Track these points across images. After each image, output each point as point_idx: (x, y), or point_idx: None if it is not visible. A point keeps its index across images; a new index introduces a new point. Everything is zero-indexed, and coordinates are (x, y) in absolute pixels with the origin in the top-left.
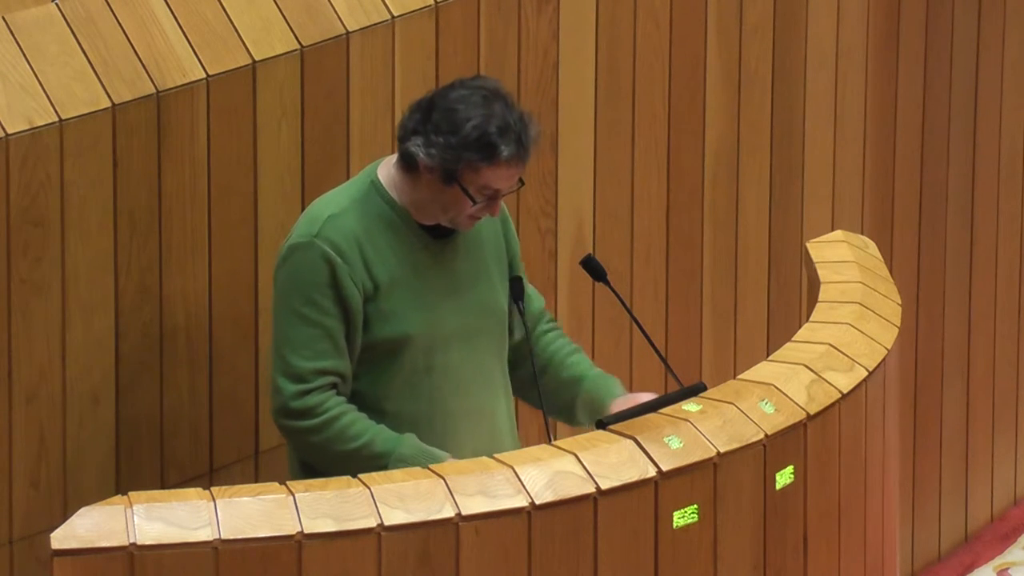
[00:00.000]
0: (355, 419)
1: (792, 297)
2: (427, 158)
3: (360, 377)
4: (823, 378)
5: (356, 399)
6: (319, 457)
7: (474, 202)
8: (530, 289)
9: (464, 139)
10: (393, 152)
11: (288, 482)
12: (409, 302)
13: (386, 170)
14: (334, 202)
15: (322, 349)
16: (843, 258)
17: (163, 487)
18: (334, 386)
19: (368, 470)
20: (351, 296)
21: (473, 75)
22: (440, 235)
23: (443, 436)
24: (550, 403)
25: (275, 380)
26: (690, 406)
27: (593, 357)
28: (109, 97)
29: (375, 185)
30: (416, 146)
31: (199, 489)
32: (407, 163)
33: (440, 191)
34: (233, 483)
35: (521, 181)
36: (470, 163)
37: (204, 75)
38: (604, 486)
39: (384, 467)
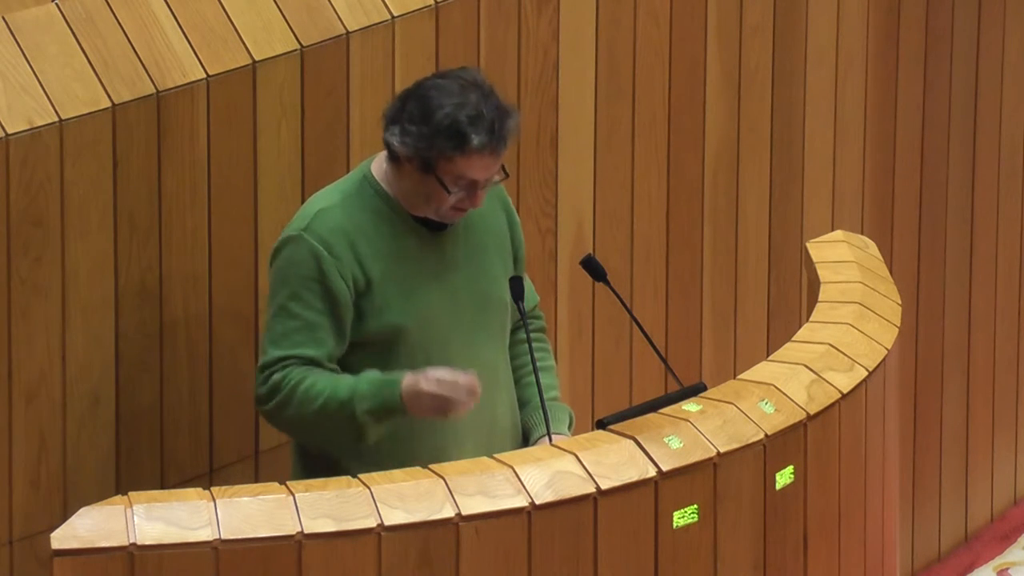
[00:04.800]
0: (315, 379)
1: (792, 297)
2: (402, 147)
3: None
4: (823, 378)
5: None
6: (301, 431)
7: (448, 192)
8: (528, 287)
9: (435, 127)
10: None
11: (288, 482)
12: (403, 295)
13: (379, 163)
14: (325, 197)
15: (299, 340)
16: (843, 258)
17: (163, 487)
18: (299, 364)
19: (342, 422)
20: (338, 291)
21: (458, 67)
22: (436, 227)
23: (443, 432)
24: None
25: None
26: (690, 406)
27: (593, 357)
28: (109, 97)
29: (368, 179)
30: (392, 135)
31: (199, 489)
32: (390, 153)
33: (420, 181)
34: (233, 483)
35: (505, 172)
36: (442, 152)
37: (204, 75)
38: (604, 486)
39: (353, 413)
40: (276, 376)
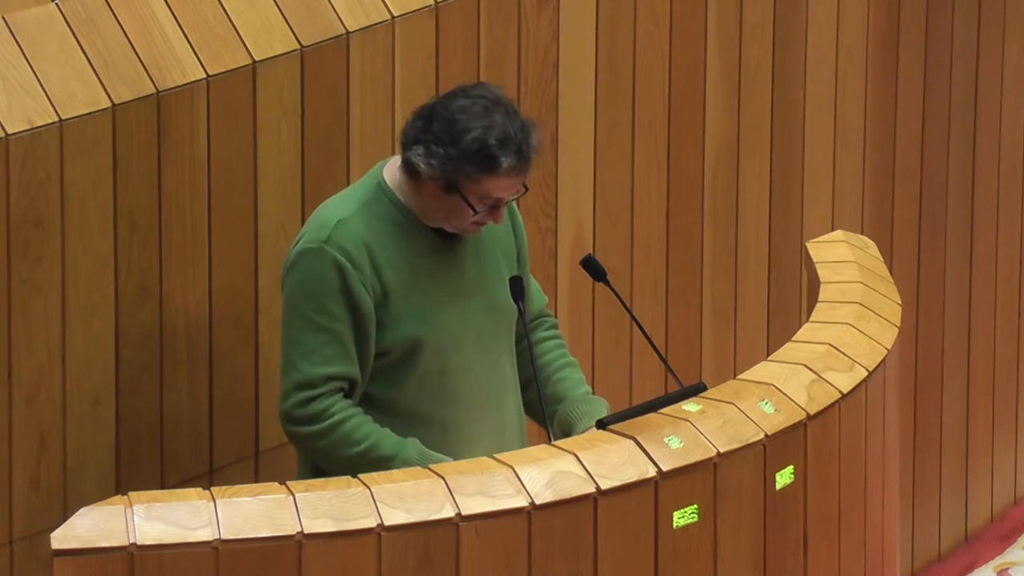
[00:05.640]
0: (360, 423)
1: (792, 297)
2: (428, 168)
3: (375, 381)
4: (823, 378)
5: (369, 402)
6: (325, 461)
7: (475, 211)
8: (533, 288)
9: (464, 151)
10: (393, 153)
11: (288, 482)
12: (420, 305)
13: (392, 172)
14: (343, 206)
15: (331, 355)
16: (843, 258)
17: (163, 487)
18: (341, 390)
19: (372, 471)
20: (362, 301)
21: (475, 82)
22: (448, 235)
23: (456, 436)
24: (533, 412)
25: (283, 385)
26: (690, 406)
27: (593, 357)
28: (109, 97)
29: (382, 187)
30: (417, 156)
31: (199, 489)
32: (410, 170)
33: (442, 199)
34: (233, 483)
35: (525, 187)
36: (470, 175)
37: (204, 75)
38: (604, 486)
39: (388, 469)
40: (317, 405)
